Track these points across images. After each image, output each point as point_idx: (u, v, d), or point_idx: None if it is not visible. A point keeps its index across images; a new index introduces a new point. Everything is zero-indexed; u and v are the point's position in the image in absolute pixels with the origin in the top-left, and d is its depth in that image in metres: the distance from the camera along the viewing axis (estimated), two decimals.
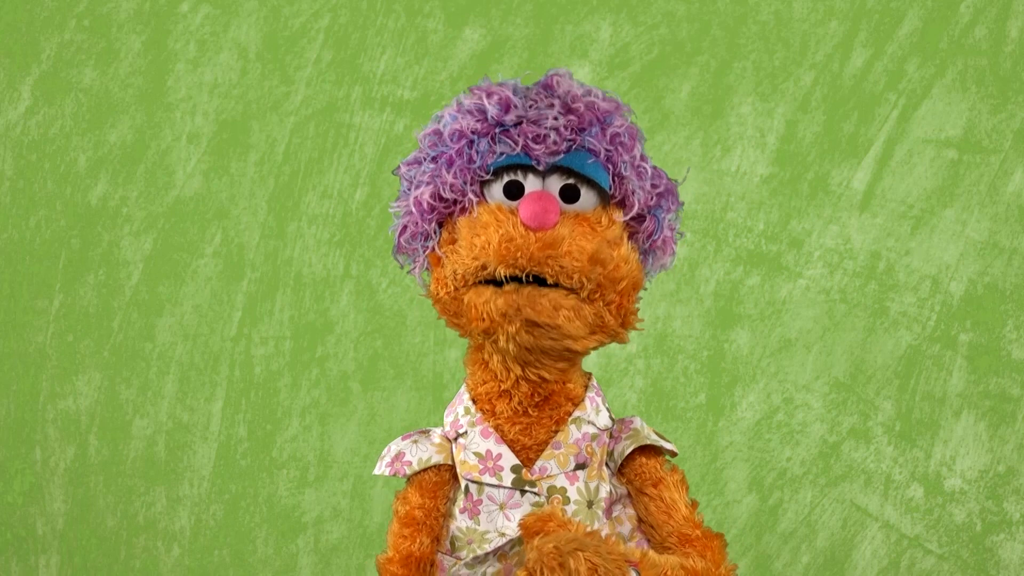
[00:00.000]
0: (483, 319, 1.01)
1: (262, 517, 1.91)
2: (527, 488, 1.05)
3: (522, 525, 1.00)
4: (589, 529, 1.02)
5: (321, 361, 1.90)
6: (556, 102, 1.02)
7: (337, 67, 1.91)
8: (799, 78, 1.81)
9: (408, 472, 1.08)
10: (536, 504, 1.05)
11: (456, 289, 1.03)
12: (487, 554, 1.05)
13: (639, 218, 1.06)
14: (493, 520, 1.06)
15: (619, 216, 1.04)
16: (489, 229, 1.00)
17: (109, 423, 1.95)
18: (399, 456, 1.09)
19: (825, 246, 1.80)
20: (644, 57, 1.85)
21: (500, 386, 1.06)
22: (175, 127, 1.94)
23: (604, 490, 1.07)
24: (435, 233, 1.05)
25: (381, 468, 1.09)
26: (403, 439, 1.10)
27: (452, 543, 1.07)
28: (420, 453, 1.08)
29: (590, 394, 1.08)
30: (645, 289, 1.08)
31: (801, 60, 1.81)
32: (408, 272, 1.08)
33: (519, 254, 0.99)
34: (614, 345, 1.84)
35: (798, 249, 1.81)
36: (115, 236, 1.95)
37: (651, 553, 1.02)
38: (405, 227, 1.06)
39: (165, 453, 1.94)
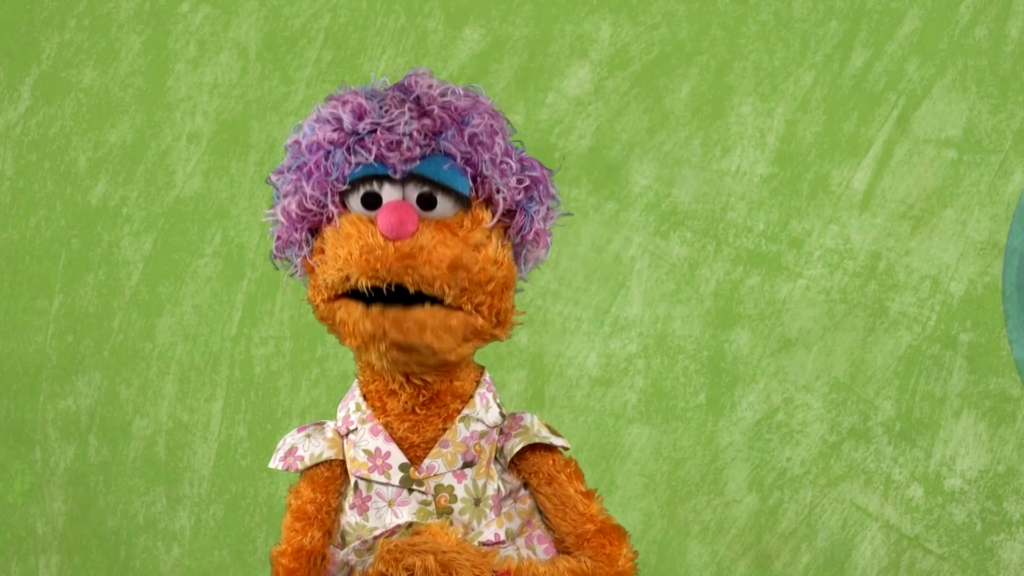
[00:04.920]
0: (354, 336, 1.03)
1: (262, 517, 1.91)
2: (414, 487, 1.06)
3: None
4: (473, 533, 1.05)
5: (321, 361, 1.90)
6: (411, 105, 1.01)
7: (337, 67, 1.91)
8: (799, 78, 1.81)
9: (300, 467, 1.09)
10: (423, 502, 1.06)
11: (328, 299, 1.04)
12: (375, 539, 1.06)
13: (510, 213, 1.05)
14: (382, 516, 1.07)
15: (487, 216, 1.04)
16: (351, 240, 1.00)
17: (109, 423, 1.95)
18: (292, 451, 1.10)
19: (825, 246, 1.80)
20: (644, 57, 1.84)
21: (388, 385, 1.07)
22: (175, 127, 1.94)
23: (492, 487, 1.08)
24: (307, 242, 1.05)
25: (275, 462, 1.11)
26: (298, 431, 1.11)
27: (342, 537, 1.09)
28: (312, 448, 1.09)
29: (480, 390, 1.09)
30: (525, 281, 1.08)
31: (801, 60, 1.81)
32: (290, 276, 1.09)
33: (379, 265, 0.99)
34: (614, 345, 1.84)
35: (798, 249, 1.81)
36: (115, 236, 1.95)
37: (535, 562, 1.05)
38: (279, 236, 1.06)
39: (165, 453, 1.94)
